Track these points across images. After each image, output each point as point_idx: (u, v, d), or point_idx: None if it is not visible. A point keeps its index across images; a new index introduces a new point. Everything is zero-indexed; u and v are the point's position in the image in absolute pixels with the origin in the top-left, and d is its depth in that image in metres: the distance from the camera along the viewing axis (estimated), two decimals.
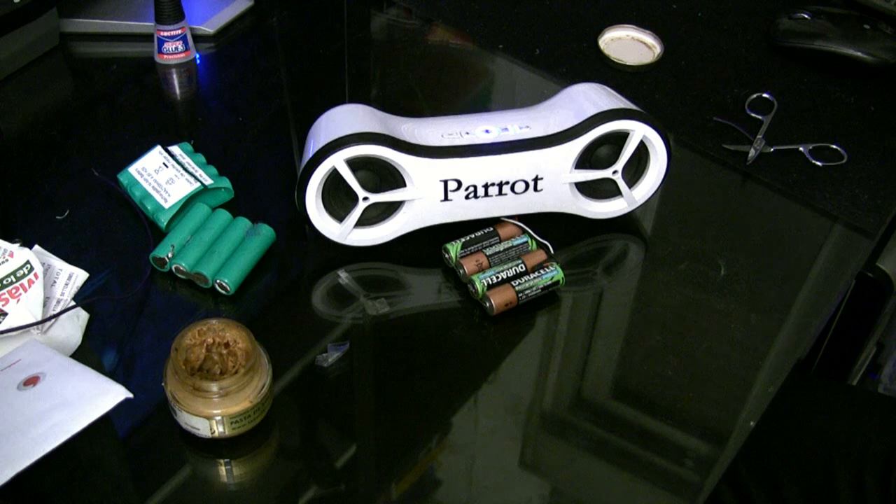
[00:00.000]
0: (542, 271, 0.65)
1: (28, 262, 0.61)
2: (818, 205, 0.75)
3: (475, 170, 0.65)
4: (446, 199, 0.66)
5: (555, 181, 0.67)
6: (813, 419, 0.81)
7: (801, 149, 0.79)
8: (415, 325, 0.65)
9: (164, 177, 0.69)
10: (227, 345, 0.55)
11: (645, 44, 0.91)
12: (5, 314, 0.59)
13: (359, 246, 0.68)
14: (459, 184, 0.65)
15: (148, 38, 0.86)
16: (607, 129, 0.65)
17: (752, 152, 0.78)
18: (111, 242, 0.69)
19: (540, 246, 0.68)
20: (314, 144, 0.64)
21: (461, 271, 0.66)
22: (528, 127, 0.67)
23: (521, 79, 0.89)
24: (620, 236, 0.71)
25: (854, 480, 0.75)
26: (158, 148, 0.71)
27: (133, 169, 0.70)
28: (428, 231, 0.68)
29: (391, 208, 0.67)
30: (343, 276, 0.67)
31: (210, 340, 0.55)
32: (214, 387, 0.52)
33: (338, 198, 0.66)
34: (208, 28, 0.90)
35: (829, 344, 1.04)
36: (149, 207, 0.69)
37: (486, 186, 0.66)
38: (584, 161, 0.67)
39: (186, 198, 0.68)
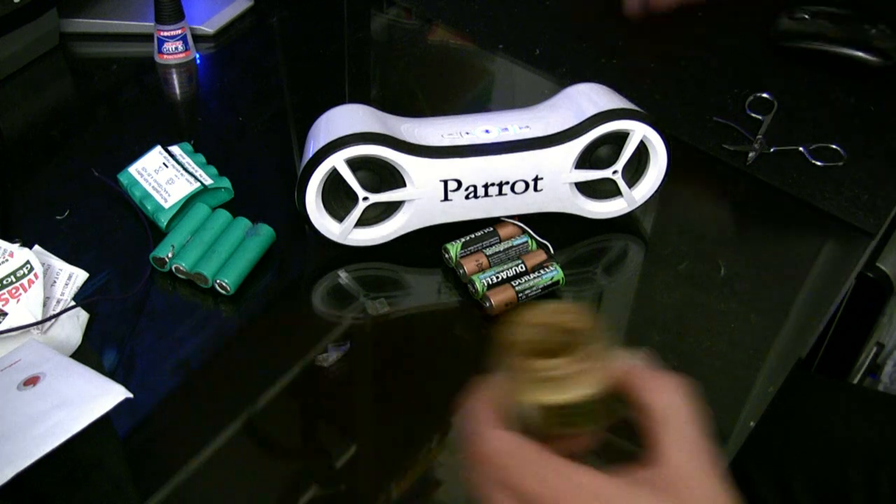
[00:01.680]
0: (542, 271, 0.65)
1: (28, 262, 0.61)
2: (818, 205, 0.75)
3: (475, 170, 0.65)
4: (446, 199, 0.66)
5: (555, 181, 0.67)
6: (821, 417, 0.81)
7: (801, 149, 0.79)
8: (415, 325, 0.65)
9: (164, 177, 0.69)
10: (572, 332, 0.46)
11: None
12: (5, 314, 0.59)
13: (359, 246, 0.68)
14: (459, 184, 0.65)
15: (148, 38, 0.86)
16: (607, 129, 0.65)
17: (752, 152, 0.78)
18: (111, 242, 0.69)
19: (540, 246, 0.68)
20: (314, 144, 0.64)
21: (461, 271, 0.66)
22: (528, 127, 0.67)
23: (521, 79, 0.89)
24: (620, 236, 0.71)
25: (868, 479, 0.75)
26: (158, 148, 0.71)
27: (133, 169, 0.70)
28: (428, 231, 0.68)
29: (391, 208, 0.67)
30: (343, 276, 0.67)
31: (553, 321, 0.46)
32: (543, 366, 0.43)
33: (338, 198, 0.66)
34: (208, 28, 0.90)
35: (829, 344, 1.04)
36: (149, 207, 0.69)
37: (486, 186, 0.66)
38: (584, 161, 0.67)
39: (186, 198, 0.68)
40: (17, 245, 0.61)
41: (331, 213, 0.66)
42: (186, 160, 0.71)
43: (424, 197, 0.66)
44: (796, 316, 0.66)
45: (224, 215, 0.68)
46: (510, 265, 0.65)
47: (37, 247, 0.66)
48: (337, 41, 0.92)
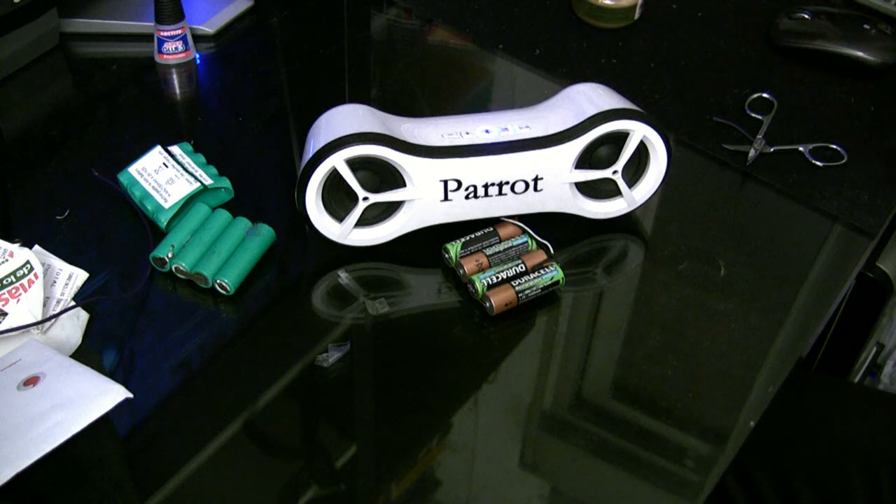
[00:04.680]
0: (542, 271, 0.65)
1: (28, 262, 0.61)
2: (818, 205, 0.75)
3: (475, 170, 0.65)
4: (446, 199, 0.66)
5: (555, 181, 0.67)
6: (822, 417, 0.81)
7: (801, 149, 0.79)
8: (415, 325, 0.65)
9: (164, 177, 0.69)
10: None
11: None
12: (5, 314, 0.59)
13: (359, 246, 0.68)
14: (459, 184, 0.65)
15: (148, 38, 0.86)
16: (607, 129, 0.65)
17: (752, 152, 0.78)
18: (111, 242, 0.69)
19: (540, 246, 0.68)
20: (314, 144, 0.64)
21: (461, 271, 0.66)
22: (528, 127, 0.67)
23: (521, 79, 0.89)
24: (620, 236, 0.71)
25: (868, 479, 0.75)
26: (158, 148, 0.71)
27: (133, 169, 0.70)
28: (428, 231, 0.68)
29: (391, 208, 0.67)
30: (343, 276, 0.67)
31: None
32: None
33: (338, 198, 0.66)
34: (208, 28, 0.90)
35: (829, 344, 1.04)
36: (149, 207, 0.69)
37: (486, 186, 0.66)
38: (584, 161, 0.67)
39: (186, 198, 0.68)
40: (17, 245, 0.61)
41: (331, 213, 0.66)
42: (186, 160, 0.71)
43: (424, 197, 0.66)
44: (796, 316, 0.67)
45: (224, 215, 0.68)
46: (510, 265, 0.65)
47: (37, 247, 0.66)
48: (337, 41, 0.92)
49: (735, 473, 0.77)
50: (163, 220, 0.68)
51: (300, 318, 0.65)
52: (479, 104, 0.88)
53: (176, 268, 0.65)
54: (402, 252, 0.69)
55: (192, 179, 0.69)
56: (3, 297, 0.59)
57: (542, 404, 0.61)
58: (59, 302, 0.63)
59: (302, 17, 0.94)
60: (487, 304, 0.63)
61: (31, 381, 0.51)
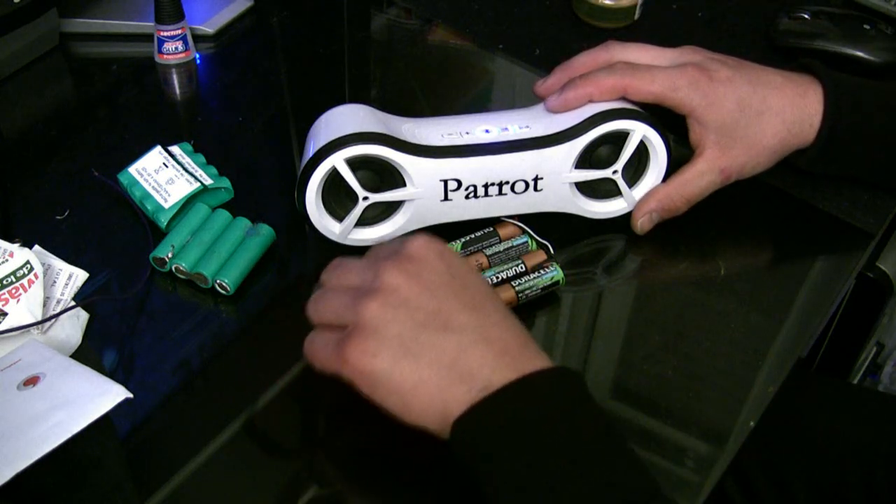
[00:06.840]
0: (542, 271, 0.65)
1: (28, 262, 0.61)
2: (818, 205, 0.75)
3: (475, 170, 0.65)
4: (446, 198, 0.66)
5: (555, 181, 0.67)
6: (821, 417, 0.81)
7: None
8: None
9: (164, 177, 0.69)
10: None
11: None
12: (5, 314, 0.59)
13: (359, 246, 0.68)
14: (459, 184, 0.65)
15: (148, 38, 0.86)
16: (607, 128, 0.65)
17: None
18: (111, 242, 0.69)
19: (540, 246, 0.68)
20: (314, 144, 0.64)
21: None
22: (528, 127, 0.67)
23: (521, 79, 0.89)
24: (620, 236, 0.71)
25: (865, 480, 0.75)
26: (158, 148, 0.71)
27: (133, 169, 0.70)
28: (428, 231, 0.68)
29: (391, 208, 0.67)
30: None
31: None
32: None
33: (338, 198, 0.66)
34: (208, 28, 0.90)
35: (829, 344, 1.04)
36: (149, 207, 0.69)
37: (486, 186, 0.66)
38: (584, 161, 0.67)
39: (186, 198, 0.68)
40: (17, 245, 0.61)
41: (331, 212, 0.66)
42: (186, 160, 0.71)
43: (424, 197, 0.66)
44: (796, 316, 0.66)
45: (224, 215, 0.68)
46: (510, 265, 0.65)
47: (37, 247, 0.66)
48: (337, 41, 0.92)
49: (734, 473, 0.77)
50: (163, 220, 0.68)
51: (300, 318, 0.65)
52: (479, 104, 0.88)
53: (176, 268, 0.65)
54: None
55: (192, 179, 0.69)
56: (3, 297, 0.59)
57: None
58: (59, 302, 0.63)
59: (302, 17, 0.94)
60: None
61: (31, 381, 0.51)
